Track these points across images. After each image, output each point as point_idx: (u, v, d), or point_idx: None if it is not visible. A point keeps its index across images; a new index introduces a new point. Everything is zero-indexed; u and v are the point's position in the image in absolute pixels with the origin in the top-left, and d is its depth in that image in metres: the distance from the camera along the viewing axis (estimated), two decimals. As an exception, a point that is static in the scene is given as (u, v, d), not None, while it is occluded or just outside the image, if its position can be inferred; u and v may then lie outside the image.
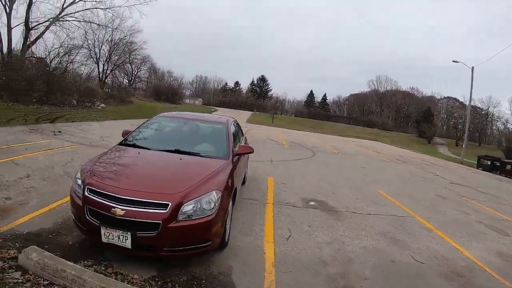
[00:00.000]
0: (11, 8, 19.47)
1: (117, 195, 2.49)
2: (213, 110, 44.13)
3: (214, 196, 2.66)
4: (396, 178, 9.95)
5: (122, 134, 4.20)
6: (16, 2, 19.63)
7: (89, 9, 23.35)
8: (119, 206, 2.43)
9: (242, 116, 40.20)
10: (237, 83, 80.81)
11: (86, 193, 2.61)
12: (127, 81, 44.14)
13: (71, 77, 25.46)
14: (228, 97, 71.85)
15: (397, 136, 44.93)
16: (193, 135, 4.12)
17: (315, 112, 68.03)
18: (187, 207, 2.51)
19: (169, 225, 2.42)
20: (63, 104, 21.35)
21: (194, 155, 3.46)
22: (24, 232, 3.18)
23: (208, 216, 2.55)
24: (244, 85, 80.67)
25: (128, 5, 24.50)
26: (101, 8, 23.61)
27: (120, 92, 37.49)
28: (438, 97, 68.39)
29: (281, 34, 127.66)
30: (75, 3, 22.51)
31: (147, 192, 2.52)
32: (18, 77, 17.35)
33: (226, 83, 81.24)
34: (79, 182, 2.80)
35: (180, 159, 3.25)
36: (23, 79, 17.50)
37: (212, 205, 2.60)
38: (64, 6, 21.92)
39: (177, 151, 3.41)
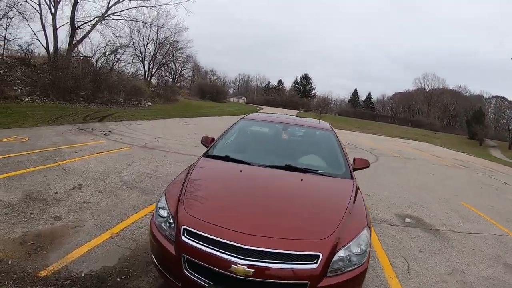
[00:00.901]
0: (56, 8, 24.45)
1: (238, 244, 2.32)
2: (258, 108, 56.01)
3: (366, 235, 2.65)
4: (469, 187, 11.78)
5: (202, 141, 4.64)
6: (61, 2, 24.84)
7: (135, 7, 28.76)
8: (241, 261, 2.26)
9: (287, 115, 50.61)
10: (280, 82, 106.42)
11: (183, 238, 2.49)
12: (171, 80, 60.32)
13: (117, 75, 30.76)
14: (272, 95, 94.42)
15: (446, 137, 54.76)
16: (296, 144, 4.44)
17: (360, 111, 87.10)
18: (339, 256, 2.45)
19: (319, 285, 2.32)
20: (110, 102, 25.60)
21: (311, 172, 3.54)
22: (82, 274, 3.21)
23: (361, 265, 2.53)
24: (287, 84, 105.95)
25: (174, 2, 29.70)
26: (147, 6, 28.82)
27: (166, 91, 45.04)
28: (487, 96, 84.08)
29: (324, 31, 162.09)
30: (121, 1, 27.51)
31: (284, 239, 2.43)
32: (65, 76, 21.40)
33: (269, 82, 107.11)
34: (164, 214, 2.73)
35: (301, 180, 3.30)
36: (70, 78, 21.54)
37: (364, 248, 2.58)
38: (109, 5, 27.01)
39: (288, 168, 3.49)
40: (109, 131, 12.34)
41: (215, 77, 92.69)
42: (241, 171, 3.37)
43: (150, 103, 34.13)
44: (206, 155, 3.94)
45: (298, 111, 66.09)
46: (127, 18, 28.83)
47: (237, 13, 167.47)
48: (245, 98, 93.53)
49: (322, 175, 3.54)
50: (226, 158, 3.70)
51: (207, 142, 4.51)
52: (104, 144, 9.94)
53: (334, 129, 4.84)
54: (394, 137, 39.21)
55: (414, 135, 47.21)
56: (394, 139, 35.92)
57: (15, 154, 8.00)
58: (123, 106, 26.21)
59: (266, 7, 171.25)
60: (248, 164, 3.53)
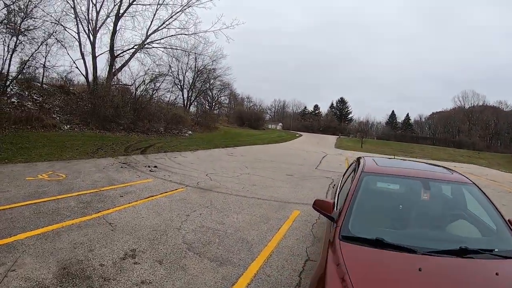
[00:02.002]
0: (95, 37, 25.54)
1: None
2: (297, 135, 59.31)
3: None
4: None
5: (316, 206, 3.75)
6: (100, 30, 25.98)
7: (174, 35, 29.71)
8: None
9: (329, 141, 53.34)
10: (316, 107, 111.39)
11: None
12: (208, 107, 61.43)
13: (156, 104, 31.38)
14: (309, 121, 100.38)
15: (490, 156, 52.61)
16: (441, 206, 3.94)
17: (400, 133, 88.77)
18: None
19: None
20: (150, 131, 25.54)
21: (483, 252, 2.99)
22: None
23: None
24: (323, 108, 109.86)
25: (214, 29, 31.63)
26: (186, 34, 29.78)
27: (206, 119, 45.84)
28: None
29: (357, 53, 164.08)
30: (159, 30, 28.62)
31: None
32: (105, 104, 21.79)
33: (305, 107, 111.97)
34: None
35: (496, 274, 2.72)
36: (109, 107, 21.96)
37: None
38: (149, 33, 28.06)
39: (462, 252, 2.93)
40: (155, 166, 11.78)
41: (251, 104, 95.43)
42: (420, 270, 2.65)
43: (190, 132, 34.34)
44: (344, 236, 3.10)
45: (337, 137, 67.97)
46: (167, 46, 29.87)
47: (271, 39, 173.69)
48: (281, 124, 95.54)
49: (500, 257, 2.92)
50: (380, 243, 2.97)
51: (326, 208, 3.63)
52: (152, 183, 9.11)
53: (472, 181, 4.22)
54: (440, 160, 37.04)
55: (459, 157, 46.38)
56: (443, 163, 34.12)
57: (50, 198, 6.87)
58: (163, 135, 26.18)
59: (298, 33, 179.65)
60: (412, 251, 2.89)
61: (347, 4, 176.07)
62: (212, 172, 11.72)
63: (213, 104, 69.17)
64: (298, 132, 74.34)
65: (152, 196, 7.75)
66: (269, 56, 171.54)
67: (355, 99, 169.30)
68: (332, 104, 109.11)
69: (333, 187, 6.52)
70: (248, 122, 69.91)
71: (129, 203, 7.18)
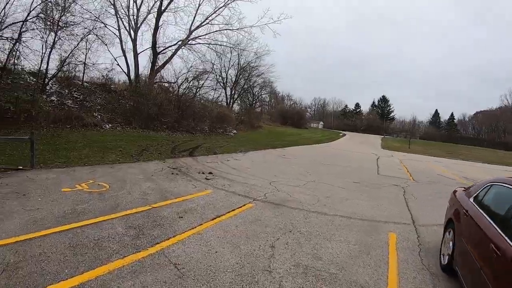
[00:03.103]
0: (136, 33, 25.58)
1: None
2: (341, 134, 59.90)
3: None
4: None
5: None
6: (140, 28, 25.98)
7: (218, 31, 29.25)
8: None
9: (373, 140, 53.31)
10: (357, 105, 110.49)
11: None
12: (249, 105, 59.41)
13: (200, 102, 31.15)
14: (351, 119, 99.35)
15: None
16: None
17: (445, 134, 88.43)
18: None
19: None
20: (195, 130, 24.82)
21: None
22: None
23: None
24: (365, 107, 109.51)
25: (260, 24, 29.65)
26: (231, 29, 29.15)
27: (249, 117, 45.54)
28: None
29: (401, 50, 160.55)
30: (202, 26, 28.35)
31: None
32: (148, 103, 21.39)
33: (346, 105, 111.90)
34: None
35: None
36: (153, 105, 21.57)
37: None
38: (191, 29, 27.79)
39: None
40: (210, 173, 10.65)
41: (291, 102, 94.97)
42: None
43: (235, 131, 33.54)
44: None
45: (381, 137, 68.76)
46: (210, 43, 29.65)
47: (311, 36, 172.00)
48: (322, 123, 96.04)
49: None
50: None
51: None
52: (213, 197, 7.80)
53: None
54: (494, 163, 34.43)
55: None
56: (500, 167, 30.78)
57: (90, 221, 5.43)
58: (209, 135, 25.54)
59: (336, 29, 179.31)
60: None
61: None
62: (274, 179, 10.64)
63: (255, 102, 69.10)
64: (341, 131, 74.33)
65: (219, 217, 6.39)
66: (307, 54, 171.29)
67: (394, 97, 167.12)
68: (373, 102, 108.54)
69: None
70: (290, 121, 70.28)
71: (192, 228, 5.68)
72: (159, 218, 5.97)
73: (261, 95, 67.05)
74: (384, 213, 7.78)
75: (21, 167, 8.35)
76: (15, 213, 5.37)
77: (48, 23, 16.88)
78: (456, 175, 18.05)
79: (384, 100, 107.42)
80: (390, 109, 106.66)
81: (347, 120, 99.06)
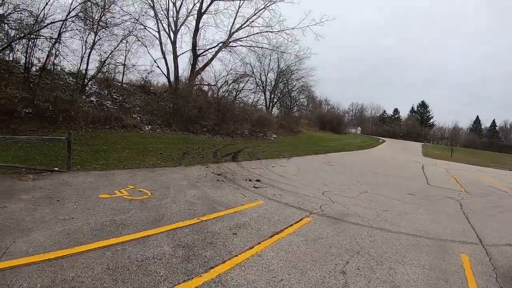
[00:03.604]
0: (175, 36, 25.43)
1: None
2: (380, 140, 59.10)
3: None
4: None
5: None
6: (180, 30, 25.79)
7: (259, 33, 28.57)
8: None
9: (414, 148, 51.78)
10: (396, 111, 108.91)
11: None
12: (287, 110, 58.58)
13: (239, 105, 30.86)
14: (391, 125, 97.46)
15: None
16: None
17: (486, 141, 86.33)
18: None
19: None
20: (235, 134, 24.32)
21: None
22: None
23: None
24: (403, 113, 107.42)
25: (302, 26, 28.51)
26: (272, 32, 28.34)
27: (289, 122, 45.12)
28: None
29: (440, 54, 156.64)
30: (242, 28, 27.84)
31: None
32: (188, 105, 21.16)
33: (385, 111, 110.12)
34: None
35: None
36: (193, 107, 21.32)
37: None
38: (232, 31, 27.35)
39: None
40: (257, 180, 10.00)
41: (329, 107, 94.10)
42: None
43: (275, 135, 32.91)
44: None
45: (422, 144, 67.56)
46: (251, 45, 29.10)
47: (347, 39, 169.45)
48: (360, 129, 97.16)
49: None
50: None
51: None
52: (265, 208, 7.10)
53: None
54: None
55: None
56: None
57: (131, 236, 4.69)
58: (249, 138, 25.15)
59: (377, 34, 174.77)
60: None
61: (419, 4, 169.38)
62: (326, 189, 10.00)
63: (292, 106, 69.14)
64: (380, 138, 73.06)
65: (277, 234, 5.63)
66: (343, 57, 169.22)
67: (433, 102, 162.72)
68: (412, 108, 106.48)
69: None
70: (329, 126, 69.57)
71: (250, 248, 4.87)
72: (210, 235, 5.14)
73: (299, 99, 66.81)
74: (447, 230, 7.26)
75: (56, 169, 7.82)
76: (46, 222, 4.69)
77: (88, 22, 16.78)
78: (506, 186, 17.16)
79: (423, 105, 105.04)
80: (429, 115, 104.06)
81: (386, 126, 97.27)
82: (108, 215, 5.29)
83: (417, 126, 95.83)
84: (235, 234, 5.32)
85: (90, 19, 16.59)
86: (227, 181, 9.49)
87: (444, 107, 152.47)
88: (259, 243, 5.06)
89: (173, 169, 10.13)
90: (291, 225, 6.14)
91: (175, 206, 6.34)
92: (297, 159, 17.76)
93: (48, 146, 10.26)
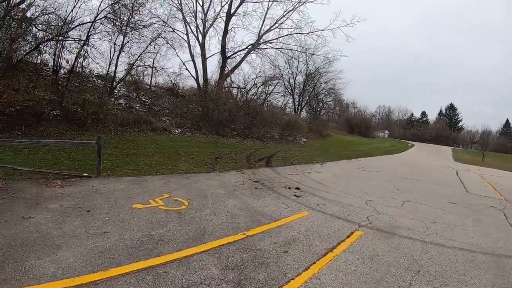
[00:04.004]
0: (204, 38, 25.16)
1: None
2: (409, 144, 58.30)
3: None
4: None
5: None
6: (208, 32, 25.52)
7: (288, 35, 28.17)
8: None
9: (444, 152, 50.29)
10: (423, 114, 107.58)
11: None
12: (314, 113, 57.85)
13: (269, 109, 30.64)
14: (419, 129, 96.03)
15: None
16: None
17: None
18: None
19: None
20: (265, 138, 23.75)
21: None
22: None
23: None
24: (431, 116, 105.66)
25: (333, 27, 28.07)
26: (302, 33, 27.91)
27: (318, 125, 44.68)
28: None
29: (466, 55, 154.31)
30: (271, 30, 27.52)
31: None
32: (219, 108, 20.77)
33: (412, 114, 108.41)
34: None
35: None
36: (223, 110, 20.94)
37: None
38: (261, 33, 27.09)
39: None
40: (297, 188, 9.47)
41: (355, 110, 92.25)
42: None
43: (304, 139, 32.22)
44: None
45: (452, 148, 66.52)
46: (282, 47, 28.74)
47: (374, 40, 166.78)
48: (387, 132, 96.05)
49: None
50: None
51: None
52: (312, 221, 6.56)
53: None
54: None
55: None
56: None
57: (172, 255, 4.14)
58: (279, 142, 24.64)
59: (399, 34, 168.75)
60: None
61: (449, 3, 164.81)
62: (368, 198, 9.48)
63: (319, 109, 69.07)
64: (408, 141, 72.10)
65: (331, 251, 5.09)
66: (370, 59, 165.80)
67: (461, 105, 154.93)
68: (440, 111, 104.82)
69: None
70: (357, 130, 68.96)
71: (305, 269, 4.31)
72: (259, 253, 4.53)
73: (325, 102, 66.66)
74: (499, 243, 6.84)
75: (86, 174, 7.37)
76: (76, 237, 4.16)
77: (117, 23, 16.59)
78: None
79: (451, 108, 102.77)
80: (458, 118, 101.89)
81: (414, 130, 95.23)
82: (144, 229, 4.71)
83: (446, 129, 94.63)
84: (286, 252, 4.73)
85: (119, 21, 16.36)
86: (266, 189, 8.89)
87: (472, 110, 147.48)
88: (314, 262, 4.50)
89: (208, 175, 9.60)
90: (343, 240, 5.63)
91: (216, 218, 5.74)
92: (331, 165, 17.31)
93: (76, 149, 9.94)
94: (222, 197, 7.28)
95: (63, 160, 8.83)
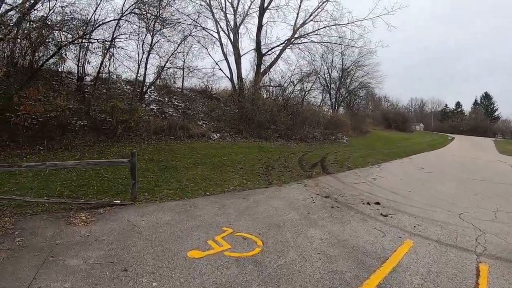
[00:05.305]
0: (235, 36, 23.75)
1: None
2: (449, 138, 55.85)
3: None
4: None
5: None
6: (239, 29, 24.18)
7: (327, 27, 26.38)
8: None
9: (486, 144, 46.70)
10: (458, 104, 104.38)
11: None
12: (353, 109, 56.37)
13: (308, 107, 29.46)
14: (456, 120, 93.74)
15: None
16: None
17: None
18: None
19: None
20: (307, 138, 22.21)
21: None
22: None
23: None
24: (466, 106, 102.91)
25: (373, 16, 26.33)
26: (340, 25, 26.16)
27: (358, 122, 43.37)
28: None
29: (499, 40, 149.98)
30: (306, 23, 26.03)
31: None
32: (259, 109, 19.44)
33: (446, 105, 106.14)
34: None
35: None
36: (264, 111, 19.64)
37: None
38: (296, 27, 25.62)
39: None
40: (377, 203, 7.93)
41: (388, 104, 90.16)
42: None
43: (346, 138, 30.75)
44: None
45: (493, 139, 63.04)
46: (320, 41, 27.23)
47: (403, 29, 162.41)
48: (422, 125, 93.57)
49: None
50: None
51: None
52: (424, 255, 4.98)
53: None
54: None
55: None
56: None
57: None
58: (322, 142, 23.22)
59: (432, 22, 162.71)
60: None
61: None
62: (457, 209, 8.06)
63: (352, 104, 68.01)
64: (446, 134, 70.25)
65: None
66: (401, 49, 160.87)
67: (495, 93, 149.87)
68: (475, 100, 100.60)
69: None
70: (394, 124, 67.66)
71: None
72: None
73: (359, 96, 65.85)
74: None
75: (118, 202, 5.70)
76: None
77: (144, 17, 15.16)
78: None
79: (487, 97, 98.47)
80: (493, 107, 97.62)
81: (451, 122, 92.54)
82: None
83: (483, 120, 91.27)
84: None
85: (146, 15, 14.92)
86: (343, 207, 7.25)
87: (508, 98, 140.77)
88: None
89: (267, 192, 7.94)
90: (477, 283, 4.30)
91: (310, 267, 4.07)
92: (388, 166, 15.79)
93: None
94: (300, 226, 5.57)
95: (90, 180, 7.26)
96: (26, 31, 11.13)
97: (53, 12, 11.92)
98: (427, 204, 8.31)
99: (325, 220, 6.07)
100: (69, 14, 12.50)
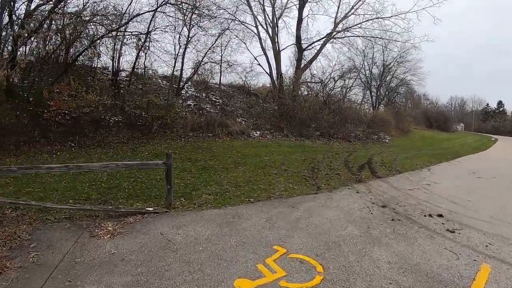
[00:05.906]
0: (274, 30, 23.11)
1: None
2: (493, 139, 52.41)
3: None
4: None
5: None
6: (278, 23, 23.45)
7: (369, 20, 25.24)
8: None
9: None
10: (500, 103, 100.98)
11: None
12: (393, 107, 52.87)
13: (349, 105, 28.97)
14: (499, 120, 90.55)
15: None
16: None
17: None
18: None
19: None
20: (349, 137, 21.47)
21: None
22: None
23: None
24: (509, 106, 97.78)
25: (418, 9, 24.80)
26: (384, 18, 24.70)
27: (400, 121, 41.71)
28: None
29: None
30: (347, 17, 25.07)
31: None
32: (300, 105, 18.77)
33: (487, 104, 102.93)
34: None
35: None
36: (307, 108, 19.02)
37: None
38: (337, 21, 24.69)
39: None
40: (439, 215, 7.08)
41: (427, 102, 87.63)
42: None
43: (388, 137, 29.87)
44: None
45: None
46: (363, 35, 26.25)
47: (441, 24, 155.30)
48: (463, 125, 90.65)
49: None
50: None
51: None
52: (506, 283, 4.26)
53: None
54: None
55: None
56: None
57: None
58: (365, 142, 22.44)
59: (471, 17, 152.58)
60: None
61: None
62: None
63: (394, 102, 66.36)
64: (488, 135, 67.14)
65: None
66: (438, 44, 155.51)
67: None
68: None
69: None
70: (436, 124, 65.54)
71: None
72: None
73: (399, 93, 64.63)
74: None
75: (151, 209, 4.97)
76: None
77: (181, 8, 14.62)
78: None
79: None
80: None
81: (494, 122, 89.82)
82: None
83: None
84: None
85: (183, 6, 14.41)
86: (403, 219, 6.50)
87: None
88: None
89: (317, 199, 7.16)
90: None
91: None
92: (438, 170, 14.71)
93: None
94: (362, 245, 4.80)
95: (121, 181, 6.65)
96: (60, 26, 10.84)
97: (86, 6, 11.67)
98: (492, 217, 7.54)
99: (389, 237, 5.21)
100: (103, 9, 12.21)
